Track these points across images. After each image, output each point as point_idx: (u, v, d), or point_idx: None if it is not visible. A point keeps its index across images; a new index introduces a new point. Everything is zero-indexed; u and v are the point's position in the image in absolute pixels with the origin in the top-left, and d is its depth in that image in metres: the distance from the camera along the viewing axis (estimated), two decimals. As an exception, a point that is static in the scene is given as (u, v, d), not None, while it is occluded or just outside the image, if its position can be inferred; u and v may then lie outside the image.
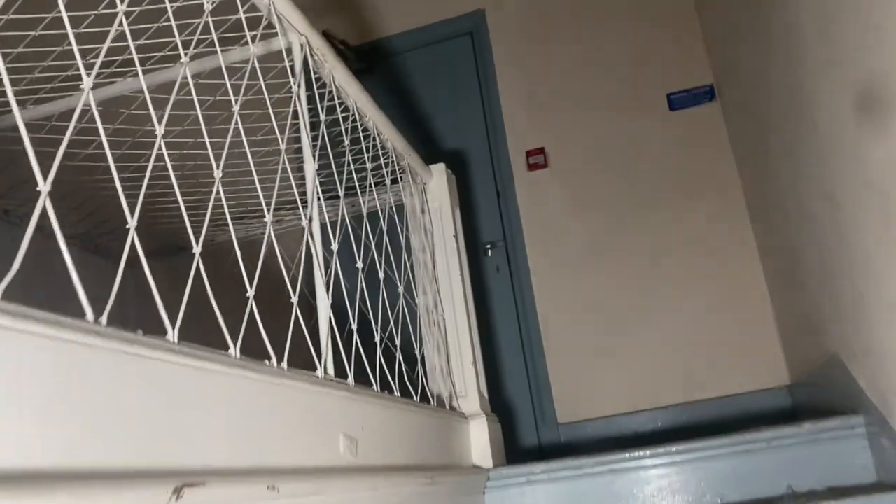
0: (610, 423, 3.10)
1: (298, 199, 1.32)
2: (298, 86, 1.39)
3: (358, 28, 3.92)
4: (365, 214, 1.74)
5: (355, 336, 1.42)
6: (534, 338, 3.30)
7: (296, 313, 1.19)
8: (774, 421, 2.90)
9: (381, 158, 1.88)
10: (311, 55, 1.50)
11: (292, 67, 1.44)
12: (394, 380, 1.55)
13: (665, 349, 3.15)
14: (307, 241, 1.32)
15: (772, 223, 2.77)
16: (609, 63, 3.53)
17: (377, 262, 1.69)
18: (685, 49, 3.44)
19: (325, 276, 1.37)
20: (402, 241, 2.06)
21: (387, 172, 1.93)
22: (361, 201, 1.77)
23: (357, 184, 1.73)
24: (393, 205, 2.00)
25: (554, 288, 3.35)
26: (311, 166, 1.38)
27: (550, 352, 3.28)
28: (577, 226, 3.38)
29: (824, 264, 2.06)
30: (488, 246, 3.48)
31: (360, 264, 1.47)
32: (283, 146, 1.30)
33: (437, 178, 2.28)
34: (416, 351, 1.89)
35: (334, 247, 1.39)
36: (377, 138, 1.87)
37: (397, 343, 1.64)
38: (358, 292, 1.44)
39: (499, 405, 3.22)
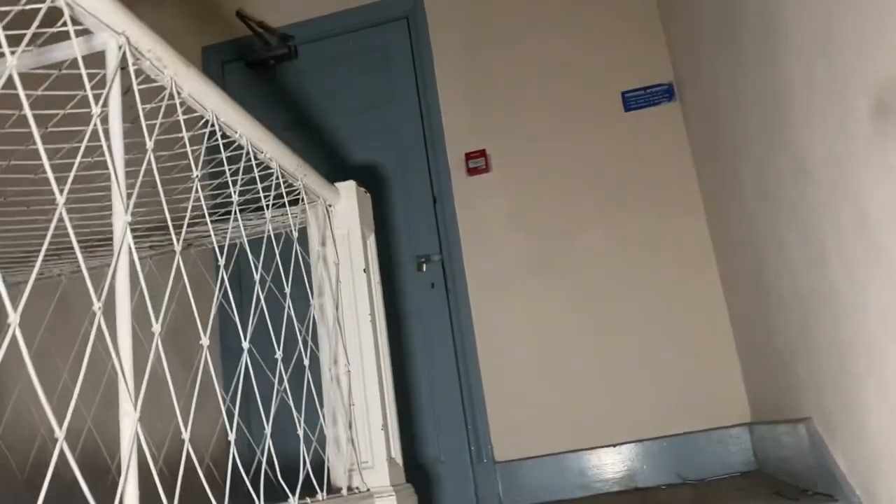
0: (555, 462, 2.78)
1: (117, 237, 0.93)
2: (105, 101, 1.00)
3: (280, 8, 3.48)
4: (248, 247, 1.35)
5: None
6: (470, 363, 2.96)
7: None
8: (733, 468, 2.61)
9: (259, 182, 1.49)
10: (136, 57, 1.10)
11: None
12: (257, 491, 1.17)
13: (616, 379, 2.83)
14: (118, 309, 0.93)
15: (737, 243, 2.45)
16: (560, 57, 3.17)
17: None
18: (643, 43, 3.09)
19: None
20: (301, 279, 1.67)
21: (267, 196, 1.54)
22: (240, 230, 1.37)
23: (234, 212, 1.34)
24: (272, 234, 1.61)
25: (494, 307, 3.00)
26: (121, 219, 0.98)
27: (489, 378, 2.94)
28: (520, 238, 3.03)
29: (803, 306, 1.74)
30: (422, 260, 3.11)
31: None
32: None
33: (346, 199, 1.90)
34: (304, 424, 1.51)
35: (155, 328, 1.00)
36: (254, 158, 1.48)
37: (267, 431, 1.26)
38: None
39: (427, 442, 2.92)
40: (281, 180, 1.61)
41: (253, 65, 3.41)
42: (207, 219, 1.27)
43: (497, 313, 2.99)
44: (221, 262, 1.23)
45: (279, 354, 1.39)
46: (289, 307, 1.51)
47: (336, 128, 3.32)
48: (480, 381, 2.94)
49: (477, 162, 3.11)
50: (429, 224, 3.15)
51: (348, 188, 1.91)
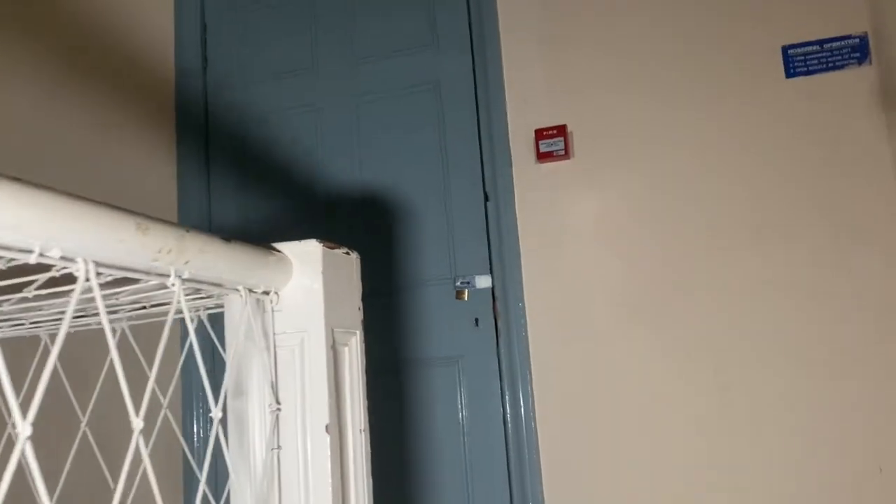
0: None
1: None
2: None
3: None
4: None
5: None
6: (526, 445, 2.02)
7: None
8: None
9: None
10: None
11: None
12: None
13: (753, 492, 1.86)
14: None
15: None
16: (686, -14, 2.09)
17: None
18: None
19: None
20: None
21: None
22: None
23: None
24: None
25: (566, 361, 2.04)
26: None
27: (552, 470, 2.01)
28: (614, 260, 2.04)
29: None
30: (464, 284, 2.14)
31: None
32: None
33: (301, 280, 0.94)
34: None
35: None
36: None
37: None
38: None
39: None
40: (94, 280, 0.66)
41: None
42: None
43: (570, 372, 2.03)
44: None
45: None
46: None
47: (344, 77, 2.33)
48: (539, 471, 2.01)
49: (552, 144, 2.10)
50: (476, 232, 2.17)
51: (306, 255, 0.95)
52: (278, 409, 0.93)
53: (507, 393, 2.07)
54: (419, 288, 2.18)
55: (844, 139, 1.91)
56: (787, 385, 1.87)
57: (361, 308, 1.05)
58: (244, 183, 2.38)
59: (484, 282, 2.13)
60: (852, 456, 1.81)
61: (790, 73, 1.98)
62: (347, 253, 1.02)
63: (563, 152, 2.08)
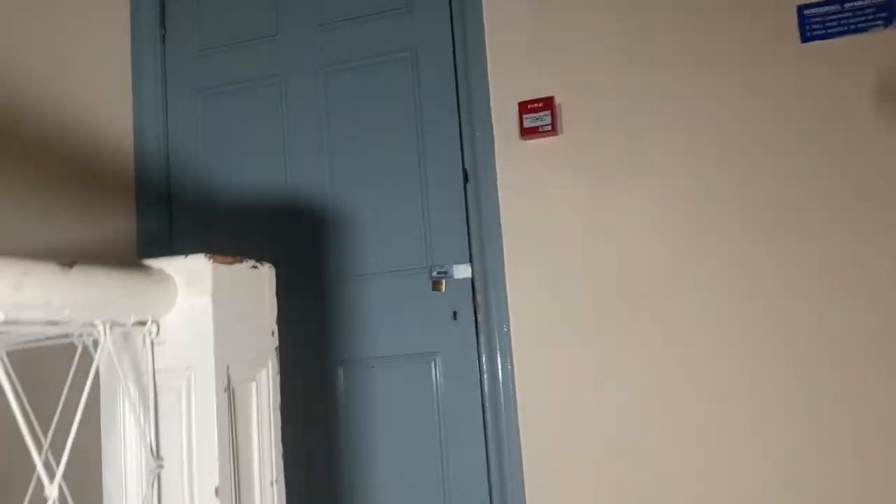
0: None
1: None
2: None
3: None
4: None
5: None
6: (507, 449, 1.84)
7: None
8: None
9: None
10: None
11: None
12: None
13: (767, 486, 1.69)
14: None
15: None
16: (690, -61, 1.86)
17: None
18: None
19: None
20: None
21: None
22: None
23: None
24: None
25: (552, 360, 1.85)
26: None
27: (535, 478, 1.83)
28: (605, 247, 1.84)
29: None
30: (440, 274, 1.94)
31: None
32: None
33: (188, 304, 0.74)
34: None
35: None
36: None
37: None
38: None
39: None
40: None
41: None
42: None
43: (557, 370, 1.84)
44: None
45: None
46: None
47: (309, 44, 2.11)
48: (522, 481, 1.83)
49: (538, 118, 1.88)
50: (454, 216, 1.96)
51: (193, 273, 0.75)
52: (159, 468, 0.74)
53: (485, 390, 1.88)
54: (392, 277, 1.98)
55: (867, 113, 1.69)
56: (792, 389, 1.68)
57: (276, 332, 0.86)
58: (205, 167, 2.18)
59: (463, 271, 1.93)
60: (870, 464, 1.62)
61: (806, 36, 1.76)
62: (255, 266, 0.83)
63: (549, 128, 1.86)
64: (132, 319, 0.70)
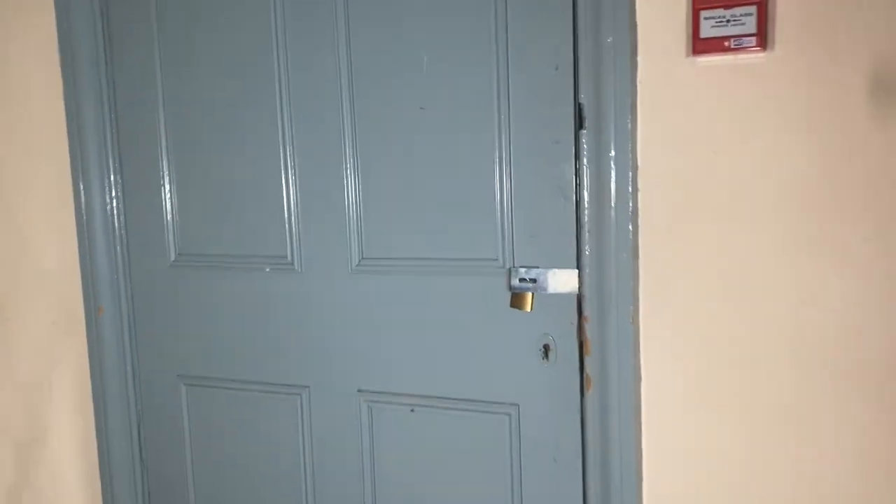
0: None
1: None
2: None
3: None
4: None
5: None
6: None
7: None
8: None
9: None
10: None
11: None
12: None
13: None
14: None
15: None
16: None
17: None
18: None
19: None
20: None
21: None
22: None
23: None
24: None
25: (710, 444, 1.10)
26: None
27: None
28: (844, 268, 1.02)
29: None
30: (524, 283, 1.15)
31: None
32: None
33: None
34: None
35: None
36: None
37: None
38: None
39: None
40: None
41: None
42: None
43: (721, 468, 1.10)
44: None
45: None
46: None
47: None
48: None
49: (729, 18, 0.99)
50: (554, 186, 1.13)
51: None
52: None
53: (591, 497, 1.16)
54: (439, 272, 1.21)
55: None
56: None
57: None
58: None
59: (564, 281, 1.14)
60: None
61: None
62: None
63: (753, 40, 0.98)
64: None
